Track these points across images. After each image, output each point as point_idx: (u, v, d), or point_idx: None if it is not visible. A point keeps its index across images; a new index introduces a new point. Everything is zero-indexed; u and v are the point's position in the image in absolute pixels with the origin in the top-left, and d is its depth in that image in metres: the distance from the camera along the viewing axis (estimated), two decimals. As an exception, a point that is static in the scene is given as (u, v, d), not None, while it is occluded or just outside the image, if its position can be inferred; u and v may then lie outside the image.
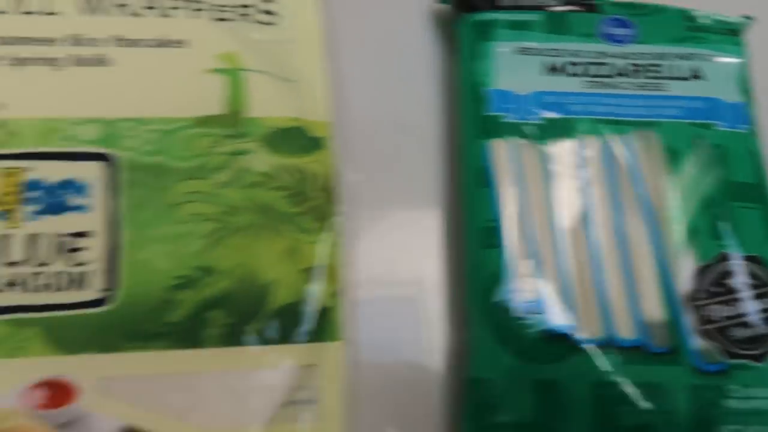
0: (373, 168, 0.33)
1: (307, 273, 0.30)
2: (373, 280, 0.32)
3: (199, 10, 0.33)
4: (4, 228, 0.29)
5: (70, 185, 0.30)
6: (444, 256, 0.33)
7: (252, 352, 0.29)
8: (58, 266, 0.29)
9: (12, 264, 0.28)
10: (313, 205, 0.31)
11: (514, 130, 0.30)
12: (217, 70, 0.32)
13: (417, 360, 0.31)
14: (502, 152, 0.30)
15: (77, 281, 0.29)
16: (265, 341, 0.29)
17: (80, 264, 0.29)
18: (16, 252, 0.28)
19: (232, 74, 0.33)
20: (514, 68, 0.31)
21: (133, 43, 0.32)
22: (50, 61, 0.31)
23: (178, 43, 0.33)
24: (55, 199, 0.29)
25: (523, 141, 0.30)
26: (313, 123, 0.33)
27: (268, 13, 0.34)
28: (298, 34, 0.34)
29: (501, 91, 0.31)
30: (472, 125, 0.30)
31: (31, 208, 0.29)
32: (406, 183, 0.34)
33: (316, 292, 0.30)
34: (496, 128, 0.30)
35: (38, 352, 0.27)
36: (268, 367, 0.29)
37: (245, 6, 0.34)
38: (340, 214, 0.31)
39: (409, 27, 0.36)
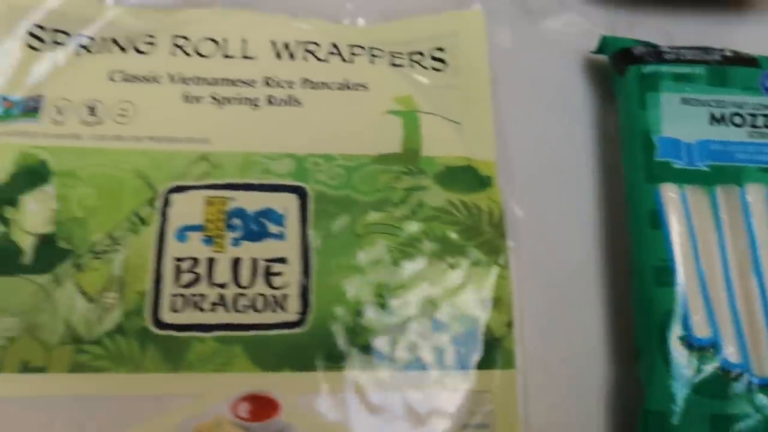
0: (534, 206, 0.35)
1: (481, 303, 0.32)
2: (537, 313, 0.33)
3: (377, 56, 0.36)
4: (211, 252, 0.31)
5: (268, 214, 0.32)
6: (605, 292, 0.34)
7: (431, 376, 0.31)
8: (258, 289, 0.31)
9: (218, 285, 0.31)
10: (484, 239, 0.33)
11: (683, 176, 0.32)
12: (394, 112, 0.35)
13: (580, 391, 0.33)
14: (672, 196, 0.32)
15: (275, 303, 0.31)
16: (443, 366, 0.31)
17: (277, 288, 0.31)
18: (222, 274, 0.31)
19: (408, 116, 0.35)
20: (680, 118, 0.33)
21: (319, 85, 0.35)
22: (248, 101, 0.34)
23: (358, 87, 0.35)
24: (256, 227, 0.32)
25: (691, 186, 0.32)
26: (480, 162, 0.35)
27: (438, 60, 0.37)
28: (465, 80, 0.36)
29: (669, 139, 0.32)
30: (643, 170, 0.32)
31: (234, 234, 0.32)
32: (565, 220, 0.35)
33: (489, 321, 0.32)
34: (665, 173, 0.32)
35: (242, 368, 0.30)
36: (446, 391, 0.31)
37: (418, 53, 0.37)
38: (508, 248, 0.33)
39: (564, 74, 0.38)
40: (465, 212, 0.33)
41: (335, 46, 0.36)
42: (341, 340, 0.31)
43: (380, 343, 0.31)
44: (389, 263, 0.32)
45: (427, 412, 0.30)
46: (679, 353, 0.29)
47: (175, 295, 0.30)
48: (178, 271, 0.31)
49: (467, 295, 0.32)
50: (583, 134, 0.37)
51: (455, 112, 0.36)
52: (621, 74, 0.35)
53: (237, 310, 0.31)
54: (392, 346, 0.31)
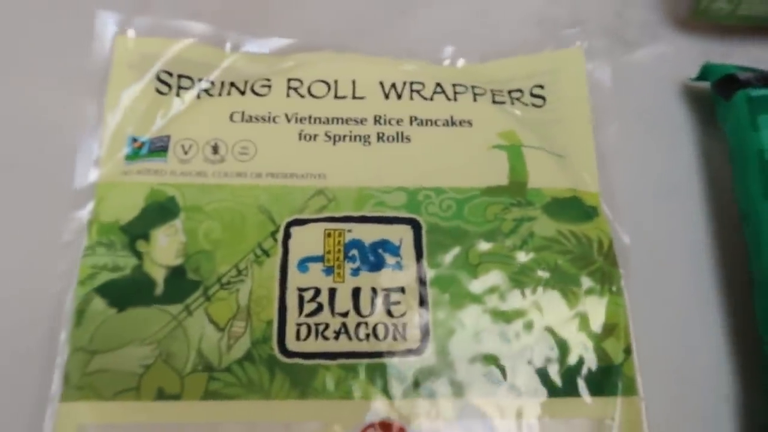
0: (642, 232, 0.35)
1: (597, 331, 0.32)
2: (655, 338, 0.33)
3: (479, 94, 0.37)
4: (331, 282, 0.32)
5: (384, 245, 0.33)
6: (723, 310, 0.34)
7: (552, 403, 0.31)
8: (378, 318, 0.31)
9: (340, 314, 0.31)
10: (595, 267, 0.33)
11: (801, 194, 0.32)
12: (499, 147, 0.36)
13: (706, 413, 0.32)
14: (792, 211, 0.32)
15: (395, 332, 0.31)
16: (563, 393, 0.31)
17: (397, 316, 0.31)
18: (343, 304, 0.31)
19: (512, 150, 0.36)
20: (793, 138, 0.33)
21: (426, 122, 0.36)
22: (360, 138, 0.35)
23: (463, 123, 0.36)
24: (373, 258, 0.32)
25: (808, 204, 0.32)
26: (586, 193, 0.35)
27: (537, 96, 0.37)
28: (566, 115, 0.37)
29: (783, 158, 0.33)
30: (761, 188, 0.32)
31: (352, 265, 0.32)
32: (675, 244, 0.36)
33: (607, 348, 0.32)
34: (783, 191, 0.32)
35: (367, 396, 0.30)
36: (568, 418, 0.31)
37: (518, 90, 0.37)
38: (621, 276, 0.33)
39: (663, 103, 0.39)
40: (575, 241, 0.34)
41: (439, 85, 0.37)
42: (462, 368, 0.31)
43: (500, 370, 0.31)
44: (504, 291, 0.32)
45: (550, 440, 0.30)
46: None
47: (299, 324, 0.31)
48: (302, 301, 0.31)
49: (583, 322, 0.32)
50: (686, 160, 0.38)
51: (558, 146, 0.36)
52: (726, 99, 0.35)
53: (359, 339, 0.31)
54: (512, 373, 0.31)
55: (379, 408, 0.30)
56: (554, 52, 0.39)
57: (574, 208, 0.35)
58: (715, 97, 0.36)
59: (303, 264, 0.32)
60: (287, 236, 0.33)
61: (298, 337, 0.31)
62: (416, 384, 0.30)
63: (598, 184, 0.36)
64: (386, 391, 0.30)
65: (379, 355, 0.31)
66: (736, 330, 0.34)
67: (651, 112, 0.39)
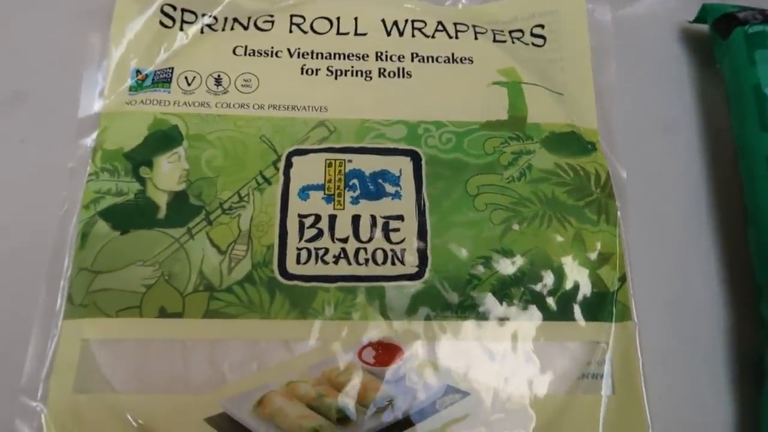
0: (640, 167, 0.35)
1: (593, 259, 0.32)
2: (651, 267, 0.33)
3: (480, 33, 0.37)
4: (331, 209, 0.32)
5: (384, 176, 0.33)
6: (717, 241, 0.34)
7: (547, 326, 0.31)
8: (377, 244, 0.31)
9: (340, 240, 0.31)
10: (592, 199, 0.33)
11: (796, 125, 0.32)
12: (499, 83, 0.35)
13: (699, 337, 0.32)
14: (788, 142, 0.32)
15: (394, 257, 0.31)
16: (558, 317, 0.31)
17: (396, 243, 0.31)
18: (342, 230, 0.31)
19: (512, 86, 0.35)
20: (790, 72, 0.33)
21: (427, 59, 0.36)
22: (361, 73, 0.35)
23: (464, 60, 0.36)
24: (373, 187, 0.32)
25: (804, 134, 0.32)
26: (584, 129, 0.35)
27: (538, 36, 0.37)
28: (566, 54, 0.37)
29: (780, 91, 0.33)
30: (757, 121, 0.32)
31: (352, 193, 0.32)
32: (672, 178, 0.36)
33: (602, 276, 0.32)
34: (778, 123, 0.32)
35: (365, 317, 0.30)
36: (562, 341, 0.30)
37: (518, 30, 0.37)
38: (617, 208, 0.33)
39: (662, 44, 0.39)
40: (572, 174, 0.34)
41: (441, 23, 0.37)
42: (458, 292, 0.31)
43: (496, 295, 0.31)
44: (502, 221, 0.32)
45: (544, 362, 0.30)
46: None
47: (300, 249, 0.31)
48: (302, 227, 0.31)
49: (579, 251, 0.32)
50: (683, 99, 0.37)
51: (557, 84, 0.36)
52: (724, 38, 0.35)
53: (358, 263, 0.31)
54: (508, 297, 0.31)
55: (377, 329, 0.30)
56: None
57: (572, 142, 0.34)
58: (714, 37, 0.36)
59: (304, 192, 0.32)
60: (288, 165, 0.33)
61: (298, 261, 0.31)
62: (414, 307, 0.30)
63: (596, 120, 0.35)
64: (384, 314, 0.30)
65: (377, 279, 0.31)
66: (729, 261, 0.34)
67: (651, 53, 0.38)
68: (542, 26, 0.37)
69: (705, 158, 0.36)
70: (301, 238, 0.31)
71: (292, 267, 0.31)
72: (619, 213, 0.33)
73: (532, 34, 0.37)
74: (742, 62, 0.33)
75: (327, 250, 0.31)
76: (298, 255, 0.31)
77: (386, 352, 0.30)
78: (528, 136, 0.34)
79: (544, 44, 0.37)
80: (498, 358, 0.30)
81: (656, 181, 0.35)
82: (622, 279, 0.32)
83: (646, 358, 0.30)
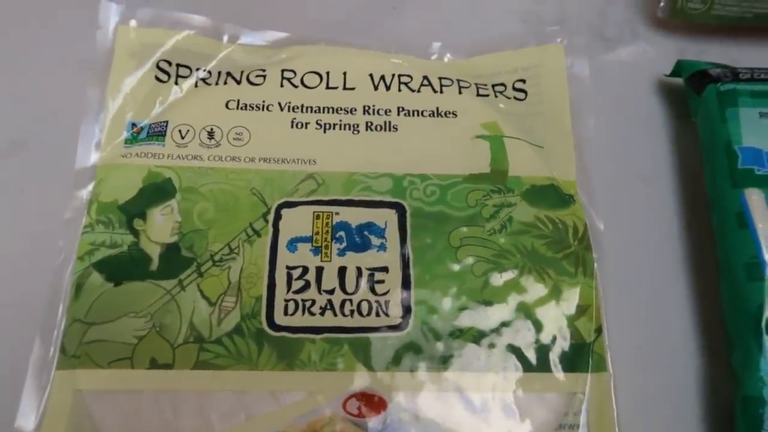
0: (618, 219, 0.36)
1: (571, 311, 0.32)
2: (627, 318, 0.34)
3: (464, 87, 0.37)
4: (319, 261, 0.32)
5: (370, 228, 0.33)
6: (691, 294, 0.35)
7: (526, 378, 0.31)
8: (362, 295, 0.32)
9: (326, 291, 0.32)
10: (570, 251, 0.34)
11: (766, 181, 0.33)
12: (481, 137, 0.36)
13: (673, 388, 0.33)
14: (757, 199, 0.32)
15: (378, 309, 0.32)
16: (537, 369, 0.31)
17: (380, 294, 0.32)
18: (329, 282, 0.32)
19: (494, 140, 0.36)
20: (759, 130, 0.34)
21: (413, 113, 0.36)
22: (349, 127, 0.36)
23: (449, 114, 0.37)
24: (359, 239, 0.33)
25: (773, 190, 0.33)
26: (563, 182, 0.35)
27: (519, 90, 0.38)
28: (546, 108, 0.37)
29: (750, 148, 0.33)
30: (728, 177, 0.33)
31: (339, 245, 0.33)
32: (648, 230, 0.36)
33: (579, 327, 0.32)
34: (750, 179, 0.33)
35: (351, 368, 0.30)
36: (540, 393, 0.31)
37: (501, 84, 0.38)
38: (594, 260, 0.34)
39: (640, 97, 0.39)
40: (551, 227, 0.34)
41: (426, 78, 0.37)
42: (441, 343, 0.31)
43: (478, 346, 0.31)
44: (483, 273, 0.33)
45: (523, 413, 0.30)
46: (773, 343, 0.30)
47: (287, 300, 0.31)
48: (290, 278, 0.32)
49: (557, 303, 0.32)
50: (660, 151, 0.38)
51: (538, 137, 0.37)
52: (698, 94, 0.36)
53: (344, 315, 0.31)
54: (489, 349, 0.31)
55: (361, 379, 0.30)
56: (536, 48, 0.39)
57: (551, 195, 0.35)
58: (688, 91, 0.37)
59: (292, 244, 0.33)
60: (278, 217, 0.33)
61: (285, 312, 0.31)
62: (397, 358, 0.31)
63: (575, 172, 0.36)
64: (369, 364, 0.31)
65: (362, 330, 0.31)
66: (703, 311, 0.34)
67: (628, 106, 0.39)
68: (524, 81, 0.38)
69: (680, 210, 0.37)
70: (288, 290, 0.32)
71: (279, 318, 0.31)
72: (596, 265, 0.34)
73: (514, 88, 0.38)
74: (715, 119, 0.34)
75: (314, 302, 0.31)
76: (286, 306, 0.31)
77: (370, 403, 0.30)
78: (509, 189, 0.35)
79: (525, 98, 0.38)
80: (479, 408, 0.30)
81: (633, 232, 0.36)
82: (599, 330, 0.32)
83: (621, 407, 0.31)
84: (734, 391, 0.30)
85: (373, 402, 0.30)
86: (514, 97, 0.38)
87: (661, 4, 0.39)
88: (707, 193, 0.35)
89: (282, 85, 0.37)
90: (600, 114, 0.38)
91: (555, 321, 0.32)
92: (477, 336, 0.31)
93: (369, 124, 0.36)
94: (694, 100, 0.36)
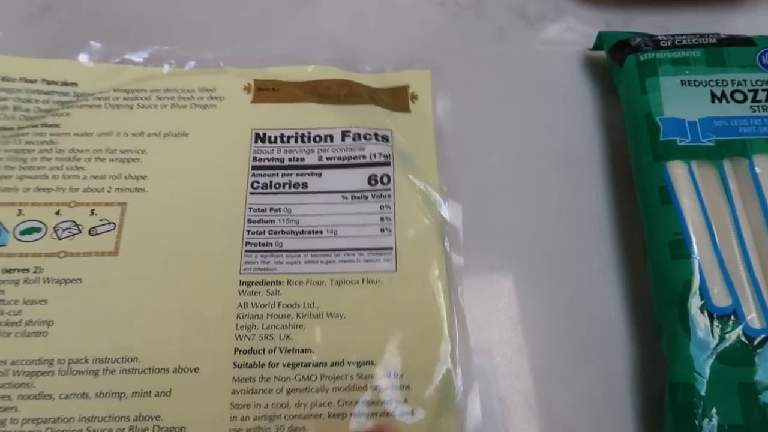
0: (546, 198, 0.34)
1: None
2: (556, 305, 0.32)
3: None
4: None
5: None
6: (621, 275, 0.32)
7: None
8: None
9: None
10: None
11: (689, 153, 0.30)
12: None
13: (605, 376, 0.30)
14: (680, 172, 0.30)
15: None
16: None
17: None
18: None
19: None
20: (682, 99, 0.32)
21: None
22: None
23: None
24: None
25: (698, 161, 0.30)
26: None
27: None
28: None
29: (673, 119, 0.31)
30: (650, 150, 0.31)
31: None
32: (576, 215, 0.34)
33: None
34: (672, 151, 0.30)
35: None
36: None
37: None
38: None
39: (565, 74, 0.37)
40: None
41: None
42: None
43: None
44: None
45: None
46: (700, 324, 0.27)
47: None
48: None
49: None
50: (589, 127, 0.36)
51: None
52: (620, 65, 0.34)
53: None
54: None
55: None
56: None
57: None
58: (611, 64, 0.35)
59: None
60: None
61: None
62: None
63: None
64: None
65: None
66: (635, 293, 0.32)
67: (555, 83, 0.37)
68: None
69: (608, 190, 0.34)
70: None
71: None
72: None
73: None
74: (635, 90, 0.32)
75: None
76: None
77: None
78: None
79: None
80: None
81: (561, 218, 0.34)
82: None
83: (557, 396, 0.29)
84: (666, 375, 0.28)
85: None
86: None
87: (581, -25, 0.38)
88: (633, 171, 0.32)
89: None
90: (526, 98, 0.36)
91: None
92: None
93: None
94: (617, 72, 0.35)
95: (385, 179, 0.32)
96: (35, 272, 0.30)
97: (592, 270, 0.32)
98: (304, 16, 0.38)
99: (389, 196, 0.32)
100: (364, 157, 0.33)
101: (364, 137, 0.33)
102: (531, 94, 0.36)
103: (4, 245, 0.30)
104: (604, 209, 0.34)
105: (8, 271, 0.30)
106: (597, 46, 0.36)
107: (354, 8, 0.39)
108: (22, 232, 0.31)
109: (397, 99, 0.35)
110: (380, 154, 0.33)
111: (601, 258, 0.33)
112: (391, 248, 0.31)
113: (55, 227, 0.31)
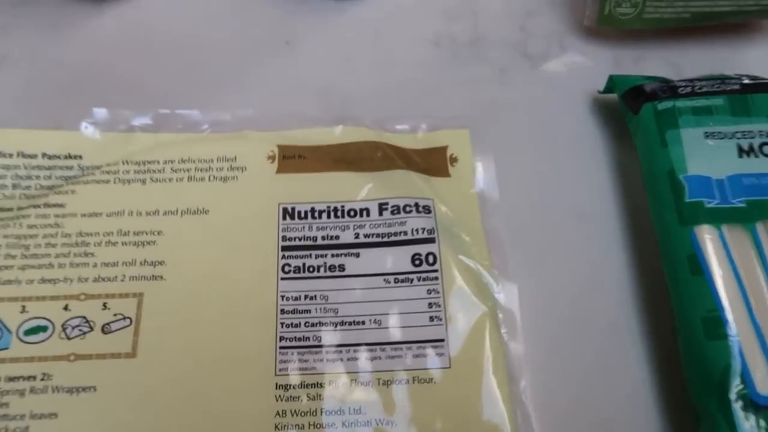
0: (557, 260, 0.31)
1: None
2: (574, 378, 0.29)
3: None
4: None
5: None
6: (650, 350, 0.29)
7: None
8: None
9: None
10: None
11: (719, 216, 0.27)
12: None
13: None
14: (711, 238, 0.27)
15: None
16: None
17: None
18: None
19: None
20: (706, 153, 0.29)
21: None
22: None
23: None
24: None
25: (728, 225, 0.27)
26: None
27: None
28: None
29: (698, 177, 0.28)
30: (674, 212, 0.28)
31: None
32: (591, 276, 0.31)
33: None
34: (700, 214, 0.28)
35: None
36: None
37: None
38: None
39: (574, 117, 0.34)
40: None
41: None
42: None
43: None
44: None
45: None
46: (744, 417, 0.24)
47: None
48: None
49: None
50: (601, 176, 0.33)
51: None
52: (635, 112, 0.31)
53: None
54: None
55: None
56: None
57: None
58: (624, 110, 0.32)
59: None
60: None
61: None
62: None
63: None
64: None
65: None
66: (663, 377, 0.29)
67: (560, 129, 0.34)
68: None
69: (627, 250, 0.31)
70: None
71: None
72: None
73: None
74: (654, 143, 0.29)
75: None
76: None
77: None
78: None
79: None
80: None
81: (571, 283, 0.30)
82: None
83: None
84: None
85: None
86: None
87: (587, 12, 0.35)
88: (655, 231, 0.29)
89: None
90: (533, 138, 0.33)
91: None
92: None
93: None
94: (631, 119, 0.32)
95: (431, 258, 0.29)
96: (43, 380, 0.26)
97: (612, 347, 0.29)
98: (287, 61, 0.35)
99: (437, 278, 0.28)
100: (405, 233, 0.29)
101: (404, 209, 0.30)
102: (536, 139, 0.34)
103: (7, 348, 0.27)
104: (623, 272, 0.31)
105: (12, 379, 0.26)
106: (608, 89, 0.33)
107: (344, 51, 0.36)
108: (27, 332, 0.27)
109: (435, 162, 0.32)
110: (423, 230, 0.29)
111: (624, 330, 0.29)
112: (443, 340, 0.27)
113: (63, 325, 0.27)
